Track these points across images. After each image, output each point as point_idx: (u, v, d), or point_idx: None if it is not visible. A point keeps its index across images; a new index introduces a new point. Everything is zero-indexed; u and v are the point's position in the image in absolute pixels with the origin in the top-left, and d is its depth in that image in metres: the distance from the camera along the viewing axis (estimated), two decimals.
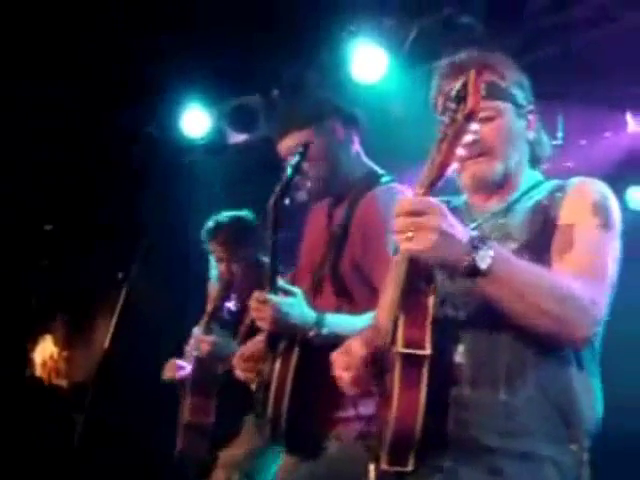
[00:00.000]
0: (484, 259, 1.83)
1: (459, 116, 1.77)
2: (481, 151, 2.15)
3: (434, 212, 1.82)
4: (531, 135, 2.28)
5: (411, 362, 1.87)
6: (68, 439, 3.56)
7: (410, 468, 1.92)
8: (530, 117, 2.28)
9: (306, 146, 2.88)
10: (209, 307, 3.96)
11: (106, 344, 3.46)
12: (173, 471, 4.09)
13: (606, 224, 2.07)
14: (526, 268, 1.93)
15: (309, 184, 2.91)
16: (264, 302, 2.74)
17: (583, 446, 2.02)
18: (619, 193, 5.82)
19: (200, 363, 3.81)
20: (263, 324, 2.78)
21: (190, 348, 3.90)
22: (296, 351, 2.77)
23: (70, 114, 5.62)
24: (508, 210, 2.19)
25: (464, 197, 2.32)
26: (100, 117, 5.68)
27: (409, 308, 1.90)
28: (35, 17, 5.07)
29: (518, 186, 2.24)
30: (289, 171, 2.86)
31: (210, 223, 4.10)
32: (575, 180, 2.17)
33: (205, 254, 4.14)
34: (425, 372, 1.87)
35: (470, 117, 1.77)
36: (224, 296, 3.91)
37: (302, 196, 2.90)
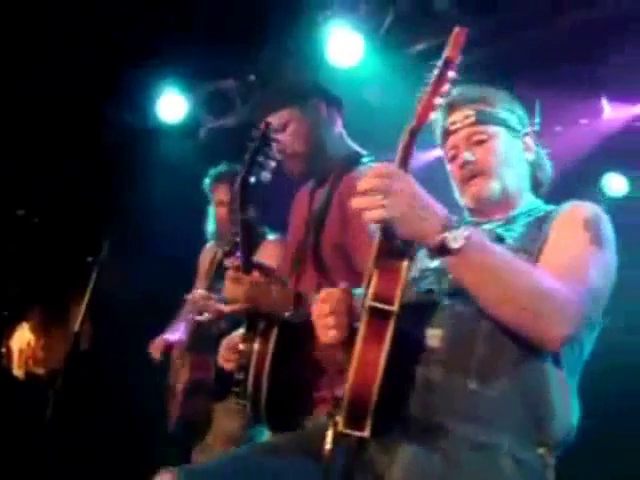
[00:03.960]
0: (457, 239, 1.81)
1: (438, 64, 1.88)
2: (476, 172, 2.27)
3: (406, 182, 1.82)
4: (530, 157, 2.36)
5: (377, 317, 1.85)
6: (40, 417, 3.55)
7: (366, 434, 1.86)
8: (527, 140, 2.37)
9: (267, 127, 2.87)
10: (208, 266, 3.96)
11: (76, 327, 3.44)
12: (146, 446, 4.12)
13: (596, 241, 2.06)
14: (502, 256, 1.92)
15: (274, 164, 2.90)
16: (238, 281, 2.74)
17: (551, 451, 2.00)
18: (595, 180, 5.87)
19: (199, 322, 3.85)
20: (238, 302, 2.76)
21: (187, 309, 3.97)
22: (275, 332, 2.76)
23: (42, 99, 5.57)
24: (506, 224, 2.23)
25: (466, 217, 2.37)
26: (74, 101, 5.63)
27: (383, 267, 1.87)
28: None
29: (518, 206, 2.30)
30: (250, 151, 2.85)
31: (218, 168, 4.20)
32: (572, 202, 2.21)
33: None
34: (390, 329, 1.84)
35: (447, 64, 1.87)
36: (230, 252, 3.92)
37: (266, 176, 2.89)
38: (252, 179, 2.86)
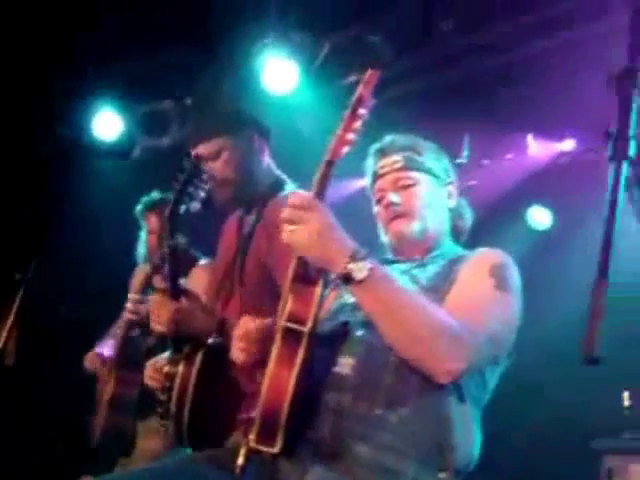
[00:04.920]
0: (361, 270, 1.94)
1: (350, 102, 2.00)
2: (399, 213, 2.40)
3: (319, 212, 1.96)
4: (452, 204, 2.51)
5: (290, 337, 1.94)
6: None
7: (276, 450, 1.93)
8: (450, 188, 2.51)
9: (198, 159, 2.95)
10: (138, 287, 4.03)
11: (0, 344, 3.45)
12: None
13: (501, 287, 2.17)
14: (403, 290, 2.04)
15: (203, 195, 2.97)
16: (164, 305, 2.81)
17: (452, 476, 2.06)
18: (520, 212, 6.03)
19: (128, 337, 3.89)
20: (159, 327, 2.83)
21: (119, 324, 3.98)
22: (199, 356, 2.82)
23: None
24: (422, 265, 2.35)
25: (389, 257, 2.48)
26: (7, 113, 5.59)
27: (297, 291, 1.99)
28: None
29: (436, 248, 2.41)
30: (180, 181, 2.91)
31: (151, 195, 4.21)
32: (483, 248, 2.34)
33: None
34: (302, 349, 1.94)
35: (359, 103, 2.00)
36: (159, 266, 3.96)
37: (195, 206, 2.96)
38: (181, 208, 2.93)
